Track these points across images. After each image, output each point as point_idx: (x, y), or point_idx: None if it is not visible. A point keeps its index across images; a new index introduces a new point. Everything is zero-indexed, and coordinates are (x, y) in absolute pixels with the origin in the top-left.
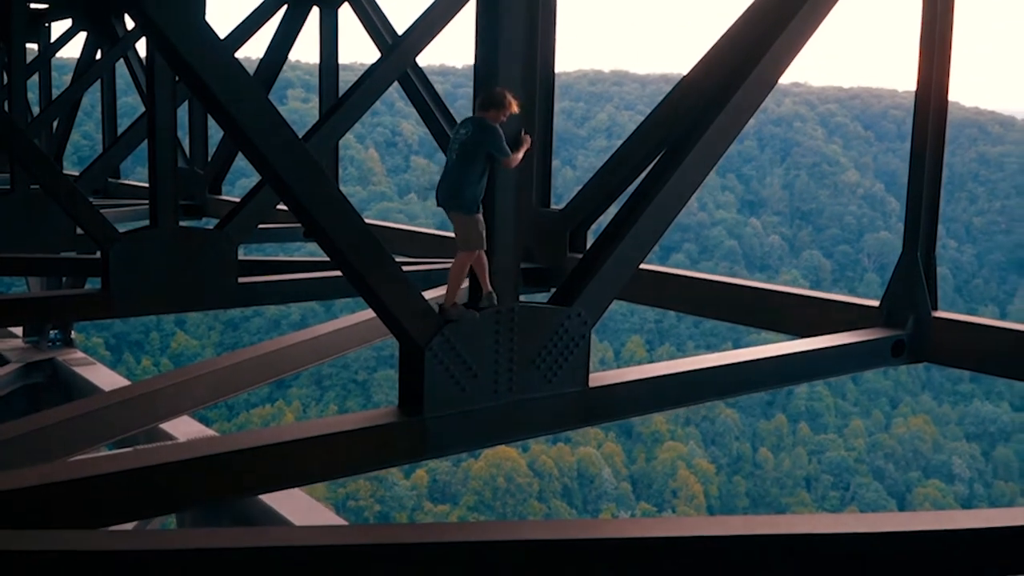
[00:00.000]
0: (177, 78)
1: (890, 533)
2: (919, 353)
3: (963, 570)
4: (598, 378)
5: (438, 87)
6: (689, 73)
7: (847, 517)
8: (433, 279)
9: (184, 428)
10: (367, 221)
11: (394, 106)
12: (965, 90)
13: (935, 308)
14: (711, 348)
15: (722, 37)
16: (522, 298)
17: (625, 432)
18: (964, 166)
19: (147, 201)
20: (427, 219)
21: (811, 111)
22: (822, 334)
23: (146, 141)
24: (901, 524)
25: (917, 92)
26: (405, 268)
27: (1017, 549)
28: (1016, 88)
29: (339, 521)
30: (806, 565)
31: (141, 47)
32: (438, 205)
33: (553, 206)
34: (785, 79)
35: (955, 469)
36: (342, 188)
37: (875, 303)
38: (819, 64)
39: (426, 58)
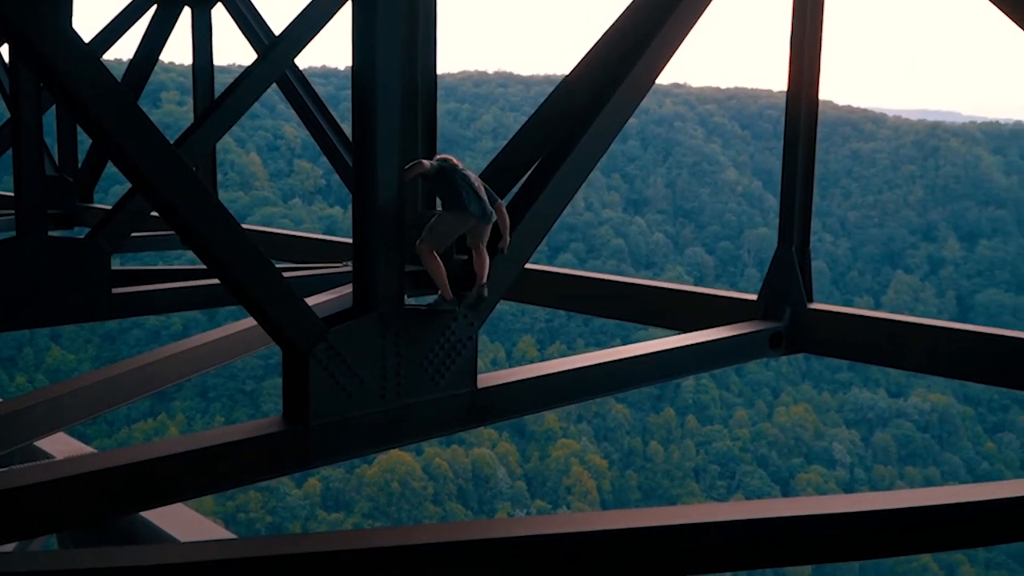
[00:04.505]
0: (42, 83)
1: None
2: (796, 344)
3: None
4: (487, 379)
5: (320, 89)
6: (569, 74)
7: (739, 505)
8: (318, 285)
9: (62, 446)
10: (249, 227)
11: (275, 108)
12: (838, 89)
13: (811, 300)
14: (601, 345)
15: (600, 38)
16: (409, 300)
17: (518, 431)
18: (838, 162)
19: (13, 211)
20: (312, 224)
21: (691, 111)
22: (705, 328)
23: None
24: (783, 510)
25: (789, 92)
26: (289, 274)
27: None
28: (887, 86)
29: (227, 535)
30: (700, 552)
31: (5, 51)
32: (472, 213)
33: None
34: (665, 80)
35: (836, 455)
36: (223, 193)
37: (753, 297)
38: (697, 65)
39: (306, 59)
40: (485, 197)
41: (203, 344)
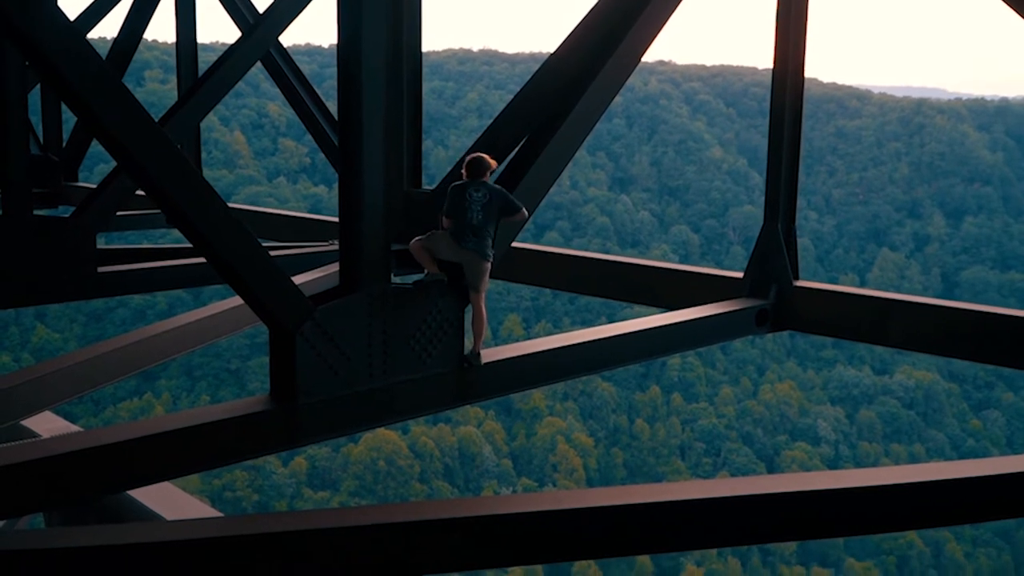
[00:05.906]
0: (27, 62)
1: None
2: (782, 321)
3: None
4: None
5: (304, 67)
6: (555, 52)
7: (724, 482)
8: (304, 263)
9: (48, 425)
10: (234, 206)
11: (260, 87)
12: (823, 66)
13: (796, 278)
14: (587, 324)
15: (586, 16)
16: (395, 279)
17: (505, 409)
18: (823, 140)
19: None
20: (297, 203)
21: (676, 89)
22: (691, 306)
23: None
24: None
25: (774, 69)
26: (275, 253)
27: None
28: (872, 63)
29: (213, 513)
30: (682, 529)
31: None
32: (468, 249)
33: (425, 187)
34: (650, 57)
35: (821, 432)
36: (207, 172)
37: (739, 275)
38: (683, 43)
39: (291, 37)
40: (489, 234)
41: (189, 323)
